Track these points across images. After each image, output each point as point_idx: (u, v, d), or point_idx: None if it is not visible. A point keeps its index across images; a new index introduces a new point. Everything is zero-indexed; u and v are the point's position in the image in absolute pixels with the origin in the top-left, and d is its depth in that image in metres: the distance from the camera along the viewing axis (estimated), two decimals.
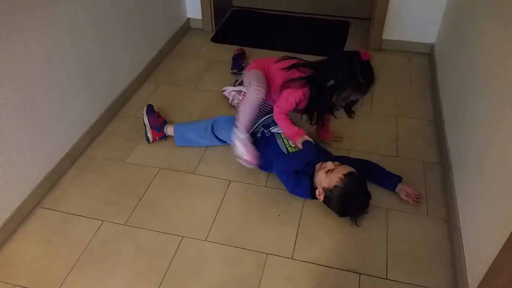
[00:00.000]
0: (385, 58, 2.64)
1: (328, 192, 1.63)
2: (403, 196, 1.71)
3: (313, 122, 1.81)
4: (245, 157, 1.77)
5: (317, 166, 1.72)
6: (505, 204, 1.20)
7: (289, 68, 1.78)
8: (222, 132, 1.92)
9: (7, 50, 1.49)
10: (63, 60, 1.77)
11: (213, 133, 1.92)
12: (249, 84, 1.82)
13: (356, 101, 1.72)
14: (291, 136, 1.77)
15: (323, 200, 1.66)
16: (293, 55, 1.89)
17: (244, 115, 1.78)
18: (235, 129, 1.80)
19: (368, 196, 1.66)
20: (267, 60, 1.93)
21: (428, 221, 1.64)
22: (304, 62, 1.79)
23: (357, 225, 1.62)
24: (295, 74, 1.74)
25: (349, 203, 1.61)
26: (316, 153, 1.71)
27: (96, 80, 2.01)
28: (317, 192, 1.67)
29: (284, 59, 1.86)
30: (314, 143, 1.72)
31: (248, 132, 1.81)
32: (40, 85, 1.66)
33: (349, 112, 1.82)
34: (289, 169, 1.70)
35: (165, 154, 1.96)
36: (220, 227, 1.63)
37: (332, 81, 1.63)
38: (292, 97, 1.73)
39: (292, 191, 1.73)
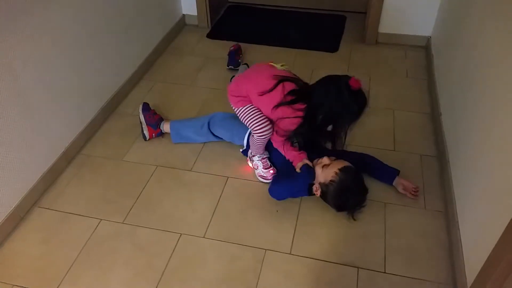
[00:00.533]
0: (382, 52, 2.63)
1: (324, 187, 1.63)
2: (400, 189, 1.71)
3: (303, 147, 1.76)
4: (263, 174, 1.78)
5: (313, 162, 1.72)
6: (502, 197, 1.20)
7: (277, 106, 1.59)
8: (218, 129, 1.92)
9: (3, 50, 1.48)
10: (58, 59, 1.76)
11: (209, 130, 1.92)
12: (249, 126, 1.70)
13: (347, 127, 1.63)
14: (291, 160, 1.73)
15: (320, 195, 1.66)
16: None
17: (258, 151, 1.78)
18: (252, 158, 1.82)
19: (365, 190, 1.66)
20: (246, 87, 1.67)
21: (425, 215, 1.64)
22: (290, 100, 1.57)
23: (354, 220, 1.62)
24: (287, 111, 1.59)
25: (346, 198, 1.61)
26: (313, 174, 1.67)
27: (92, 78, 2.01)
28: (314, 188, 1.67)
29: (269, 90, 1.60)
30: (313, 167, 1.69)
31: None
32: (36, 84, 1.65)
33: (336, 140, 1.69)
34: (284, 194, 1.71)
35: (162, 151, 1.95)
36: (218, 224, 1.63)
37: (322, 115, 1.54)
38: (287, 129, 1.64)
39: (291, 196, 1.73)
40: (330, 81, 1.55)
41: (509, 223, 1.08)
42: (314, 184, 1.68)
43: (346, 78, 1.49)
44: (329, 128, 1.61)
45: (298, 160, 1.72)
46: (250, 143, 1.78)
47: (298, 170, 1.71)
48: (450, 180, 1.67)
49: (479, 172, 1.42)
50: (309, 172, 1.68)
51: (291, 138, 1.69)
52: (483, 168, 1.38)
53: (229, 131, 1.91)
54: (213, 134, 1.93)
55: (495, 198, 1.25)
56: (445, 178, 1.72)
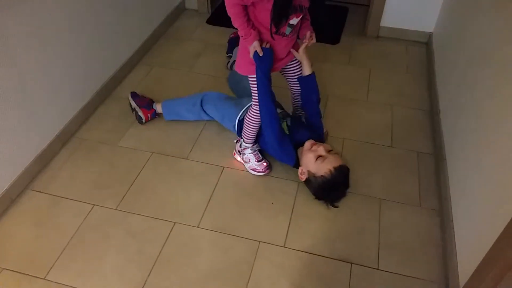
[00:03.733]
0: (383, 46, 2.61)
1: (313, 177, 1.63)
2: (301, 51, 1.61)
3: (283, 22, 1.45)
4: (257, 167, 1.76)
5: (307, 144, 1.69)
6: (499, 198, 1.20)
7: None
8: (211, 107, 1.90)
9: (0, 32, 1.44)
10: (55, 41, 1.72)
11: (202, 108, 1.90)
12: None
13: None
14: (244, 35, 1.46)
15: (304, 180, 1.67)
16: None
17: (250, 135, 1.74)
18: (243, 151, 1.78)
19: (347, 186, 1.68)
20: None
21: (420, 212, 1.64)
22: None
23: (334, 207, 1.64)
24: None
25: (330, 194, 1.64)
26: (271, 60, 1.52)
27: (88, 61, 1.96)
28: (300, 170, 1.67)
29: None
30: (268, 47, 1.50)
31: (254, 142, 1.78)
32: (31, 66, 1.62)
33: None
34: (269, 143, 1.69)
35: (158, 138, 1.93)
36: (212, 214, 1.62)
37: None
38: None
39: (276, 153, 1.74)
40: None
41: (507, 224, 1.08)
42: (301, 166, 1.68)
43: None
44: None
45: (252, 39, 1.46)
46: (245, 123, 1.72)
47: (251, 53, 1.49)
48: (446, 179, 1.67)
49: (476, 171, 1.41)
50: (267, 55, 1.50)
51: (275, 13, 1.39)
52: (480, 167, 1.38)
53: (220, 112, 1.89)
54: (205, 112, 1.92)
55: (492, 198, 1.25)
56: (441, 176, 1.72)
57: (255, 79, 1.56)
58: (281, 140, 1.70)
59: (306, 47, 1.60)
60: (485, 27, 1.63)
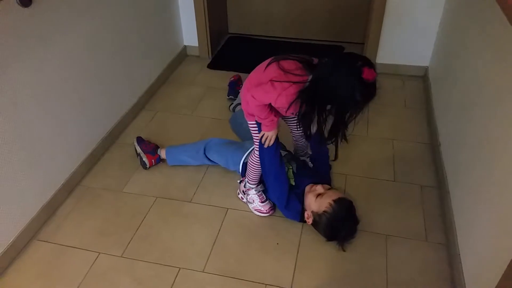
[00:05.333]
0: (380, 82, 2.60)
1: (317, 216, 1.63)
2: None
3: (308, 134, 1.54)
4: (261, 208, 1.77)
5: (307, 188, 1.72)
6: (505, 229, 1.19)
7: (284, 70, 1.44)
8: (214, 154, 1.93)
9: (6, 81, 1.50)
10: (60, 89, 1.78)
11: (205, 155, 1.94)
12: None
13: (350, 117, 1.42)
14: (265, 120, 1.53)
15: (311, 224, 1.66)
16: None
17: (255, 176, 1.77)
18: (247, 191, 1.80)
19: (356, 222, 1.66)
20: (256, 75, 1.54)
21: (427, 247, 1.63)
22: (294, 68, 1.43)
23: (343, 250, 1.61)
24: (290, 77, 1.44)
25: (337, 229, 1.62)
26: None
27: (93, 109, 2.02)
28: (306, 215, 1.68)
29: (273, 61, 1.49)
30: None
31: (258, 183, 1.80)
32: (36, 116, 1.67)
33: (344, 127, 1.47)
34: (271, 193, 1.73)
35: (161, 182, 1.95)
36: (217, 257, 1.61)
37: (323, 92, 1.37)
38: (283, 97, 1.40)
39: (282, 210, 1.75)
40: (345, 60, 1.37)
41: None
42: (306, 210, 1.68)
43: (361, 65, 1.30)
44: (328, 107, 1.40)
45: (275, 125, 1.56)
46: (249, 166, 1.75)
47: (270, 140, 1.58)
48: (450, 211, 1.67)
49: (480, 203, 1.41)
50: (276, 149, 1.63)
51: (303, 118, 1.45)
52: (485, 198, 1.38)
53: (224, 157, 1.92)
54: (209, 159, 1.95)
55: (498, 230, 1.24)
56: (446, 210, 1.71)
57: (254, 124, 1.61)
58: (287, 200, 1.71)
59: None
60: (479, 58, 1.67)
